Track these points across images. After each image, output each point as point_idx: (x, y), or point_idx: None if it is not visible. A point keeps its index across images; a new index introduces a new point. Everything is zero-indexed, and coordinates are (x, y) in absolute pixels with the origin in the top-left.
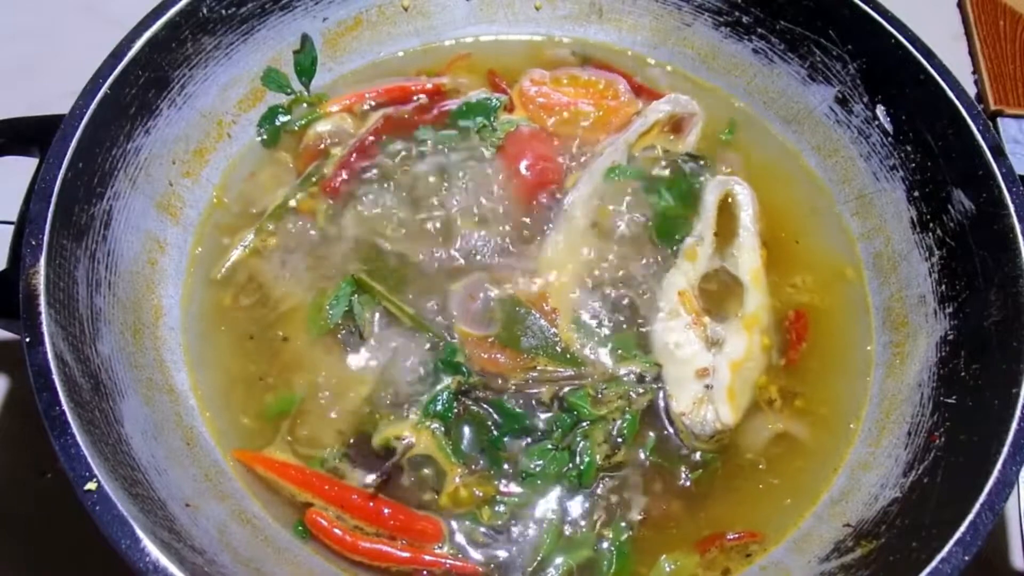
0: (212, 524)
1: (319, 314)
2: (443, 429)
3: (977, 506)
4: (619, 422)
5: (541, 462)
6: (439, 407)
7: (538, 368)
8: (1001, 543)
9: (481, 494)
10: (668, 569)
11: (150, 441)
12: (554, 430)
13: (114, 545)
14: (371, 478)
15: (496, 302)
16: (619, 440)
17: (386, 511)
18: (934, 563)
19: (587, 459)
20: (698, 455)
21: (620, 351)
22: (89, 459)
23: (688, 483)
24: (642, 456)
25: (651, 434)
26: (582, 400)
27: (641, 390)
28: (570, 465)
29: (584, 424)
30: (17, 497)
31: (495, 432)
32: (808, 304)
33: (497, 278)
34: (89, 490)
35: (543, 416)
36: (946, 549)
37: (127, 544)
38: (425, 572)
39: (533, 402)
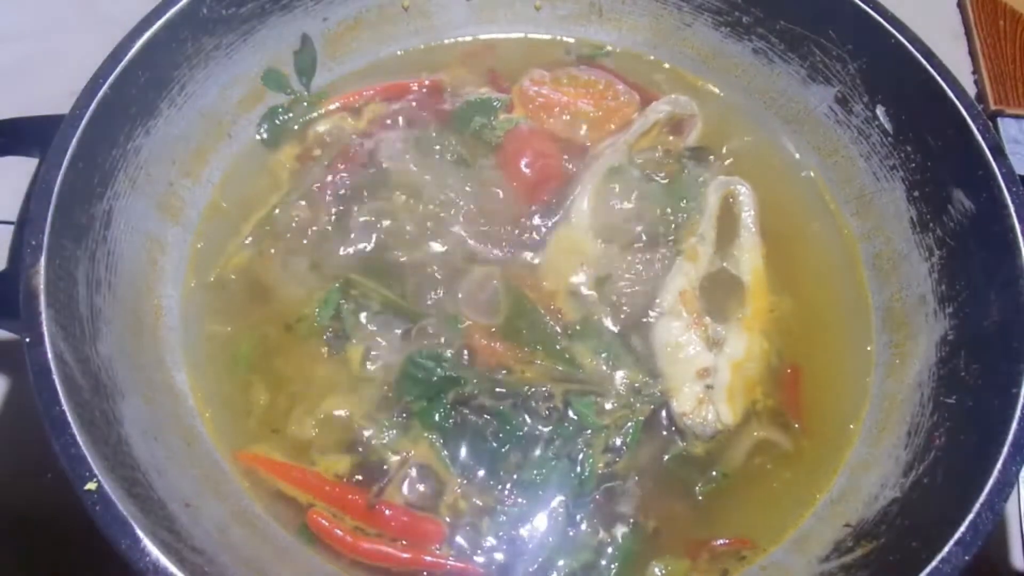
0: (212, 524)
1: (313, 316)
2: (441, 440)
3: (977, 506)
4: (622, 430)
5: (542, 471)
6: (437, 417)
7: (537, 363)
8: (1001, 543)
9: (481, 504)
10: (659, 574)
11: (150, 441)
12: (554, 439)
13: (114, 545)
14: (369, 491)
15: (503, 295)
16: (621, 448)
17: (387, 512)
18: (934, 563)
19: (588, 468)
20: (710, 471)
21: (621, 354)
22: (89, 459)
23: (690, 491)
24: (644, 463)
25: (653, 442)
26: (587, 408)
27: (645, 399)
28: (571, 474)
29: (586, 432)
30: (17, 497)
31: (494, 442)
32: (807, 306)
33: (502, 275)
34: (89, 490)
35: (543, 425)
36: (946, 549)
37: (127, 544)
38: (425, 573)
39: (533, 409)
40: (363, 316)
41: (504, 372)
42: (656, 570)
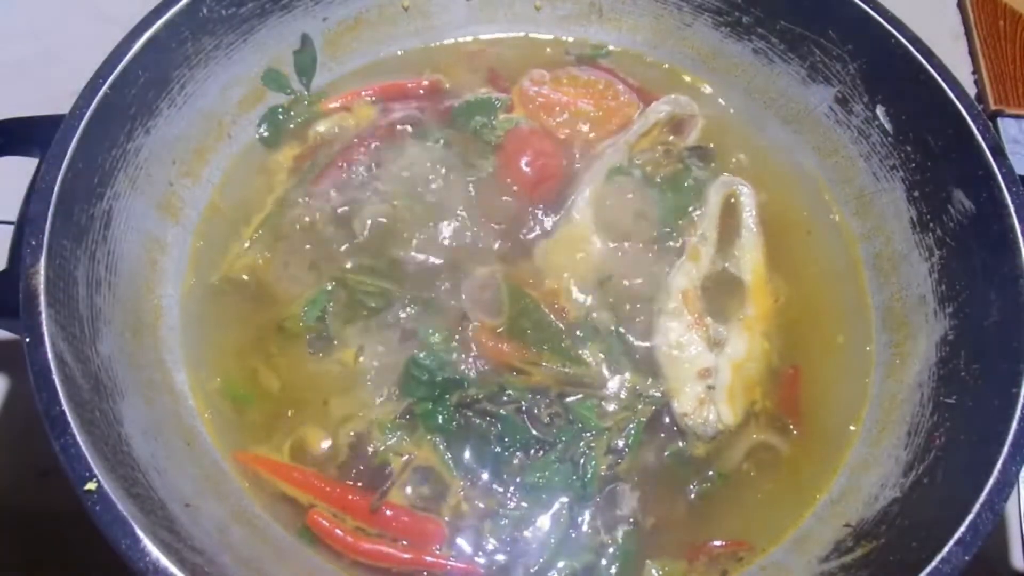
0: (212, 524)
1: (310, 316)
2: (445, 442)
3: (977, 506)
4: (624, 431)
5: (544, 474)
6: (440, 420)
7: (543, 364)
8: (1001, 543)
9: (483, 507)
10: (656, 575)
11: (150, 441)
12: (557, 442)
13: (114, 545)
14: (370, 493)
15: (505, 294)
16: (623, 450)
17: (389, 512)
18: (934, 563)
19: (591, 470)
20: (711, 471)
21: (623, 354)
22: (89, 459)
23: (690, 492)
24: (645, 465)
25: (654, 443)
26: (589, 411)
27: (647, 400)
28: (574, 477)
29: (588, 434)
30: (17, 497)
31: (497, 446)
32: (806, 306)
33: (504, 275)
34: (89, 490)
35: (546, 428)
36: (946, 549)
37: (127, 544)
38: (426, 573)
39: (535, 412)
40: (364, 316)
41: (507, 374)
42: (653, 571)
